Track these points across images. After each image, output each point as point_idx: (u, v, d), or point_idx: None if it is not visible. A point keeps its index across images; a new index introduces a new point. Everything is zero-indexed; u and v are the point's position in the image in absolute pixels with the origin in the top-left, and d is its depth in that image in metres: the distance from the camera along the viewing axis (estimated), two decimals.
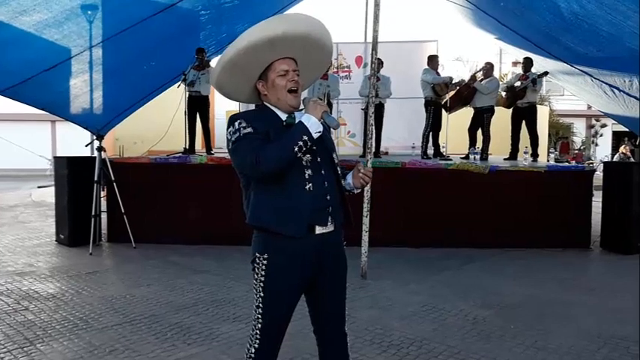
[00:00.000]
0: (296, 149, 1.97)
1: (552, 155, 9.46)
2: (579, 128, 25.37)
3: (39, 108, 7.16)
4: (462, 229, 6.69)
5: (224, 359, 3.36)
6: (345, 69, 10.48)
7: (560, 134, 21.67)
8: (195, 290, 4.85)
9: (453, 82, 8.39)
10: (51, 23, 5.48)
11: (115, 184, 6.67)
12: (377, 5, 5.23)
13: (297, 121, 2.06)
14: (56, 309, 4.31)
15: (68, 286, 4.98)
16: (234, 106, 11.74)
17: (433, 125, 8.25)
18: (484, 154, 8.00)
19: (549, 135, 14.69)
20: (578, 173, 7.21)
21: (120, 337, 3.71)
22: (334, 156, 2.20)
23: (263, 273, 2.09)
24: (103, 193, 7.01)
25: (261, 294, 2.11)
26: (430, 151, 8.40)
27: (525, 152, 7.73)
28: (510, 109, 8.32)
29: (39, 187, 13.76)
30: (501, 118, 8.50)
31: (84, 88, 6.71)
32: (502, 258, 6.28)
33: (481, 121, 8.15)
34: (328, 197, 2.09)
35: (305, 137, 1.98)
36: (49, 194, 10.99)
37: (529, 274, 5.64)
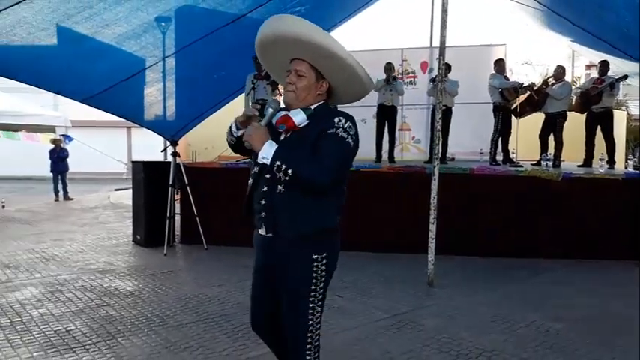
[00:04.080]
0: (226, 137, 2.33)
1: (630, 162, 8.94)
2: None
3: (117, 115, 7.59)
4: (532, 239, 6.50)
5: None
6: (410, 74, 10.42)
7: (639, 140, 20.47)
8: None
9: (523, 86, 8.17)
10: (130, 35, 5.82)
11: (188, 187, 6.96)
12: (444, 11, 5.20)
13: (265, 117, 2.16)
14: (135, 305, 4.56)
15: (145, 284, 5.25)
16: None
17: (502, 131, 8.07)
18: (556, 160, 7.71)
19: (627, 141, 13.88)
20: None
21: (194, 334, 3.88)
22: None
23: None
24: (177, 197, 7.33)
25: None
26: (499, 157, 8.20)
27: (601, 159, 7.39)
28: (584, 114, 7.99)
29: (116, 190, 14.49)
30: (574, 124, 8.17)
31: (158, 96, 7.04)
32: (574, 269, 6.02)
33: (553, 126, 7.87)
34: (262, 202, 2.16)
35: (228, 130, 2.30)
36: (125, 197, 11.61)
37: (604, 287, 5.38)
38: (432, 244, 5.21)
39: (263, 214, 2.16)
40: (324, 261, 2.16)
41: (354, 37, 15.68)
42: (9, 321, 4.13)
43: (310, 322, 2.17)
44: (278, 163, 2.00)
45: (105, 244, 7.35)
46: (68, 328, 3.97)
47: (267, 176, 2.12)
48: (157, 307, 4.53)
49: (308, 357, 2.18)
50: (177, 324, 4.10)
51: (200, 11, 6.02)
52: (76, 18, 5.28)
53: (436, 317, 4.32)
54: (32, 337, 3.79)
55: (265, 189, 2.14)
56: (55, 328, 3.97)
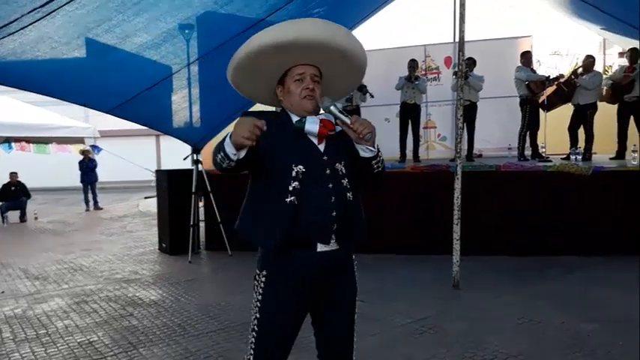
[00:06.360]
0: (218, 160, 1.83)
1: None
2: None
3: (141, 124, 7.66)
4: (562, 236, 6.26)
5: None
6: (434, 71, 10.25)
7: None
8: None
9: (550, 78, 7.93)
10: (150, 45, 5.87)
11: (211, 194, 6.97)
12: (462, 5, 5.09)
13: (306, 125, 1.92)
14: (157, 315, 4.58)
15: (168, 293, 5.27)
16: None
17: (530, 125, 7.87)
18: (587, 153, 7.44)
19: None
20: None
21: (214, 344, 3.86)
22: (340, 167, 1.96)
23: (260, 291, 1.97)
24: (200, 204, 7.35)
25: (257, 315, 1.98)
26: (528, 152, 7.98)
27: (634, 151, 7.08)
28: (616, 105, 7.69)
29: (145, 197, 14.74)
30: (605, 115, 7.87)
31: (183, 103, 7.09)
32: (607, 267, 5.76)
33: (583, 118, 7.61)
34: (333, 214, 1.90)
35: (221, 153, 1.79)
36: (154, 204, 11.71)
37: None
38: (456, 245, 5.08)
39: (335, 226, 1.91)
40: None
41: (376, 35, 15.53)
42: (35, 333, 4.20)
43: (355, 321, 2.13)
44: (380, 153, 1.96)
45: (131, 252, 7.44)
46: (91, 340, 4.01)
47: (330, 185, 1.91)
48: (178, 316, 4.53)
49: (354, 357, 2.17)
50: (198, 333, 4.09)
51: (220, 17, 6.03)
52: (96, 31, 5.34)
53: (461, 321, 4.20)
54: (56, 350, 3.84)
55: (333, 199, 1.90)
56: (78, 340, 4.01)
